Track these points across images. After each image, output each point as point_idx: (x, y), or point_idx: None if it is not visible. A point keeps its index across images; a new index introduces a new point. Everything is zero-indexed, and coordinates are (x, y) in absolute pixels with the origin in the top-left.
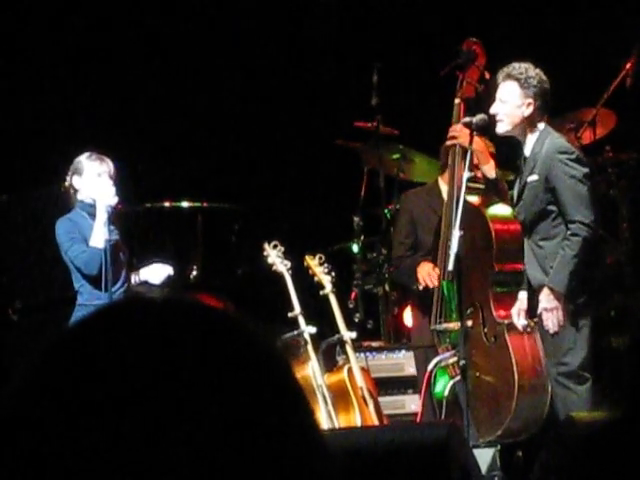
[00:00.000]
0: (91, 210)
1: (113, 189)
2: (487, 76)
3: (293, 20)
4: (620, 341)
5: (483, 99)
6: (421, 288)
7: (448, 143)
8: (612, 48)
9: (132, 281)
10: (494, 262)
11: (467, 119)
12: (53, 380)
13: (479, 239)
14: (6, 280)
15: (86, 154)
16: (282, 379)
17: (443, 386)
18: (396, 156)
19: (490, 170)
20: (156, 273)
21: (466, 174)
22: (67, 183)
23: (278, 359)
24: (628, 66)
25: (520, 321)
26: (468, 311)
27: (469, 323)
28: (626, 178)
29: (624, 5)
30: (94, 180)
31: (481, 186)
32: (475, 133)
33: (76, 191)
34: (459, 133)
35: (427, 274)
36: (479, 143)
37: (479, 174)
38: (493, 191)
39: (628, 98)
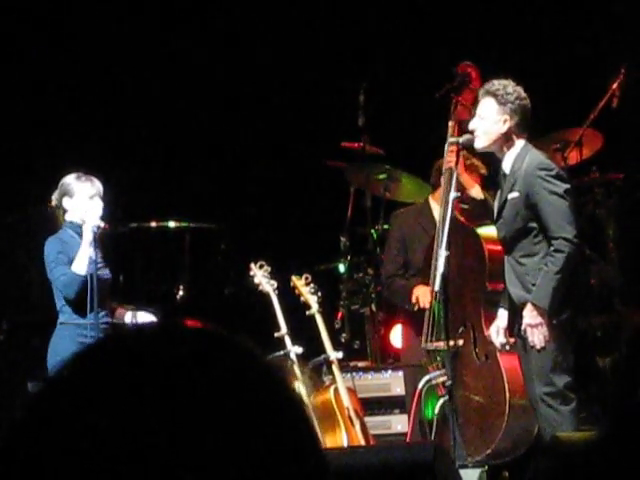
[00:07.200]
0: (80, 230)
1: (101, 211)
2: None
3: (280, 41)
4: (605, 361)
5: None
6: (416, 309)
7: (445, 166)
8: (599, 68)
9: (129, 319)
10: (487, 281)
11: (453, 139)
12: (60, 410)
13: (471, 259)
14: None
15: (74, 175)
16: (281, 395)
17: (432, 406)
18: (382, 176)
19: (477, 193)
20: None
21: (452, 194)
22: (54, 203)
23: (275, 375)
24: (615, 86)
25: (499, 339)
26: (459, 330)
27: (460, 342)
28: (612, 198)
29: (610, 25)
30: (85, 202)
31: (472, 207)
32: (462, 153)
33: (65, 212)
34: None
35: (423, 295)
36: (462, 171)
37: (468, 194)
38: (481, 211)
39: (615, 118)
